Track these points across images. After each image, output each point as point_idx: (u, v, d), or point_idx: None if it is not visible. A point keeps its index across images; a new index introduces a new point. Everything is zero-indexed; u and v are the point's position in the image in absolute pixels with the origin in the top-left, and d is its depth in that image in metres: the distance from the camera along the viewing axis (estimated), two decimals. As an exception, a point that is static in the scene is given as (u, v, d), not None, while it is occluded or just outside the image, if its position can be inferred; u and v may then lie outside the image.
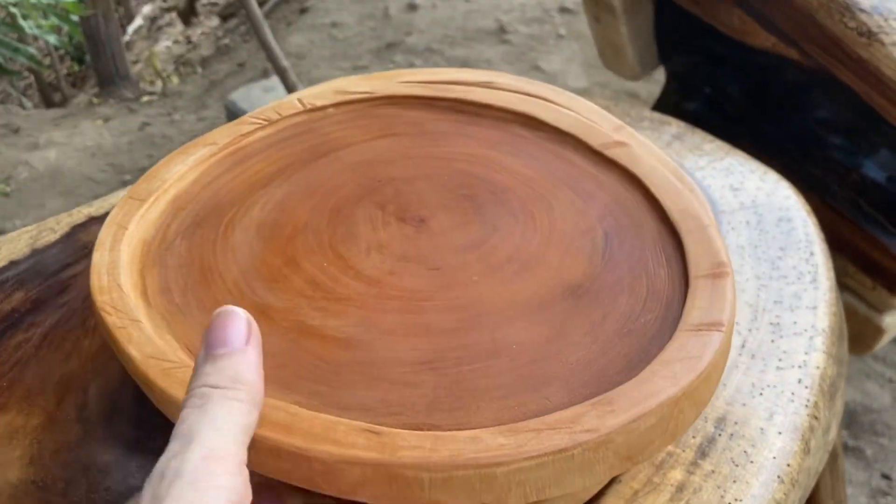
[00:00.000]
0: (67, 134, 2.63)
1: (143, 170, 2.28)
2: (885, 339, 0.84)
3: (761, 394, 0.46)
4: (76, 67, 6.55)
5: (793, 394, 0.46)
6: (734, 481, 0.41)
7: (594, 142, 0.50)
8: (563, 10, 2.54)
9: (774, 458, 0.43)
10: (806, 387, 0.47)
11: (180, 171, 0.50)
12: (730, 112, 0.90)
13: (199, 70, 3.18)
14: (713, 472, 0.42)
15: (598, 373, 0.35)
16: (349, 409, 0.34)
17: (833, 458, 0.71)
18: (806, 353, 0.49)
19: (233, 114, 2.02)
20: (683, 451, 0.43)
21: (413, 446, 0.32)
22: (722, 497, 0.40)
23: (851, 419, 1.32)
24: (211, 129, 1.78)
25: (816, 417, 0.46)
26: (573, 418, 0.32)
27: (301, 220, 0.46)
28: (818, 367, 0.48)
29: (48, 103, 5.85)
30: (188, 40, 5.17)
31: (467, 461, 0.31)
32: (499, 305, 0.39)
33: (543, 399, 0.34)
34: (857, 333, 0.83)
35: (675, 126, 0.72)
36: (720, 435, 0.44)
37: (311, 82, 2.34)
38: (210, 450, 0.29)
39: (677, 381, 0.34)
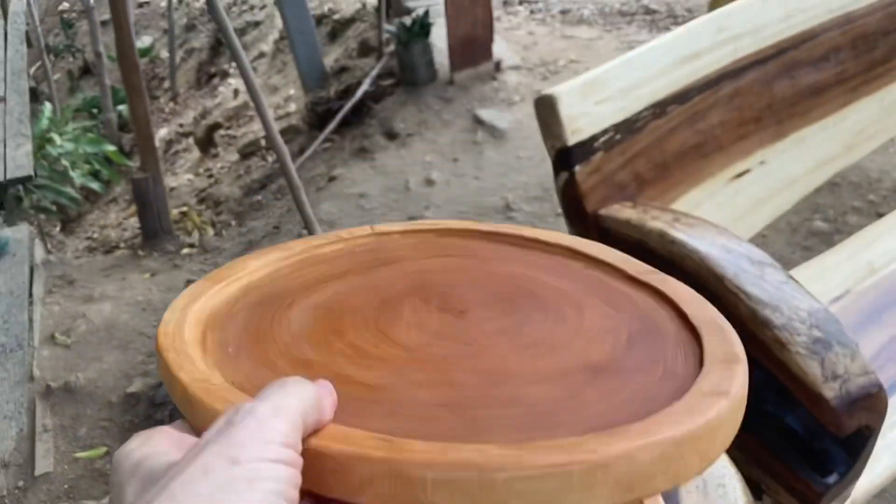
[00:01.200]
0: (118, 287, 2.94)
1: (191, 327, 2.59)
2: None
3: None
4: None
5: None
6: None
7: (631, 270, 0.56)
8: (561, 188, 2.92)
9: None
10: None
11: (254, 266, 0.56)
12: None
13: (233, 223, 3.53)
14: None
15: (606, 422, 0.38)
16: (366, 429, 0.37)
17: None
18: None
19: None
20: None
21: (420, 450, 0.34)
22: None
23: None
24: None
25: None
26: (576, 443, 0.35)
27: (353, 305, 0.51)
28: None
29: (62, 219, 6.14)
30: (209, 174, 5.56)
31: (469, 463, 0.33)
32: (521, 372, 0.43)
33: (551, 433, 0.37)
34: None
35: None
36: None
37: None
38: (279, 407, 0.34)
39: (681, 426, 0.37)
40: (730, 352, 0.45)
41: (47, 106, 3.97)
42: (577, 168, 1.21)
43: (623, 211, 1.19)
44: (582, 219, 1.23)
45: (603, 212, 1.21)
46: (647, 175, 1.28)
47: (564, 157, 1.21)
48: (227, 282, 0.54)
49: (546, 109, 1.19)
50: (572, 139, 1.20)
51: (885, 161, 2.88)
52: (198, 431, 0.39)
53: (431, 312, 0.51)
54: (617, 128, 1.24)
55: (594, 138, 1.22)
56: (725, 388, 0.41)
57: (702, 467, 0.38)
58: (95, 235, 5.63)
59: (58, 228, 6.16)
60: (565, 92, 1.19)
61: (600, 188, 1.23)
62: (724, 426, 0.40)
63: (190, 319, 0.48)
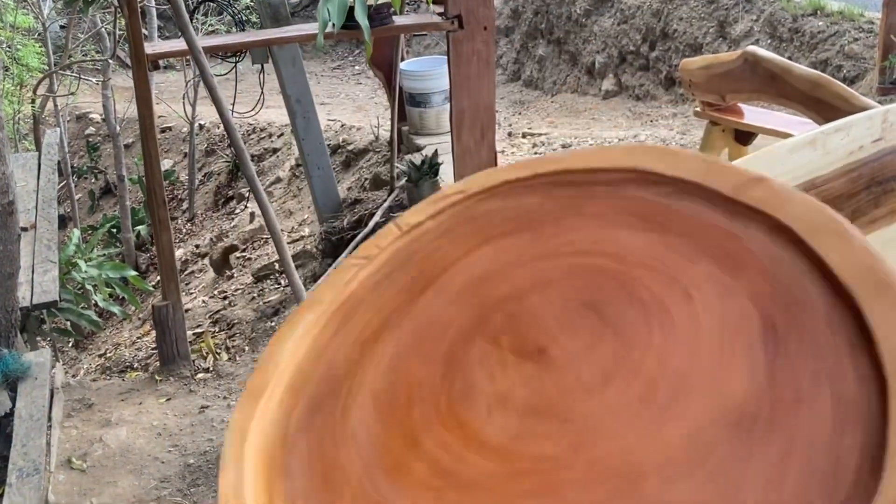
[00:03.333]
0: (135, 412, 3.04)
1: (205, 453, 2.67)
2: None
3: None
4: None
5: None
6: None
7: (725, 186, 0.41)
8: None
9: None
10: None
11: (291, 347, 0.49)
12: None
13: (246, 349, 3.66)
14: None
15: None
16: None
17: None
18: None
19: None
20: None
21: None
22: None
23: None
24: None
25: None
26: None
27: (415, 379, 0.44)
28: None
29: (78, 333, 6.22)
30: (224, 296, 5.71)
31: None
32: (653, 461, 0.33)
33: None
34: None
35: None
36: None
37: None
38: None
39: None
40: None
41: (75, 233, 4.18)
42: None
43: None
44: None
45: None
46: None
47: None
48: (271, 387, 0.47)
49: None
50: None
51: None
52: None
53: (507, 364, 0.42)
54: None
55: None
56: None
57: None
58: (109, 354, 5.74)
59: (70, 344, 6.28)
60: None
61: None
62: None
63: (248, 477, 0.42)
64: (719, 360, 0.35)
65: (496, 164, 3.71)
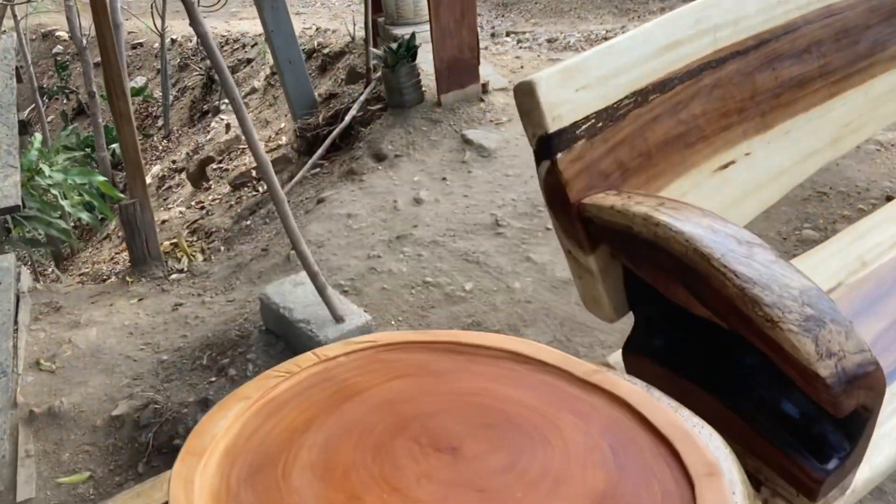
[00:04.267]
0: (105, 313, 2.90)
1: (178, 349, 2.55)
2: (812, 536, 1.09)
3: None
4: (82, 222, 6.93)
5: None
6: None
7: (577, 371, 0.63)
8: (551, 204, 2.90)
9: None
10: None
11: (224, 425, 0.58)
12: (683, 354, 1.19)
13: (222, 248, 3.50)
14: None
15: None
16: None
17: None
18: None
19: (267, 306, 2.30)
20: None
21: None
22: None
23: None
24: (241, 313, 2.15)
25: None
26: None
27: (348, 459, 0.53)
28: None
29: (56, 256, 6.13)
30: (201, 206, 5.55)
31: None
32: None
33: None
34: (789, 531, 1.08)
35: (639, 383, 0.99)
36: None
37: (330, 270, 2.65)
38: None
39: None
40: (707, 461, 0.53)
41: (37, 137, 3.97)
42: (559, 156, 1.19)
43: (607, 198, 1.17)
44: (565, 208, 1.20)
45: (587, 200, 1.19)
46: (630, 164, 1.26)
47: (546, 145, 1.19)
48: (209, 451, 0.54)
49: (526, 96, 1.17)
50: (553, 126, 1.18)
51: (872, 171, 2.87)
52: None
53: (429, 455, 0.52)
54: (598, 115, 1.22)
55: (575, 125, 1.20)
56: None
57: None
58: (87, 270, 5.60)
59: (52, 268, 6.13)
60: (544, 78, 1.17)
61: (583, 177, 1.21)
62: None
63: None
64: (584, 466, 0.50)
65: (478, 48, 3.50)
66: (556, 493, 0.50)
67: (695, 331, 1.18)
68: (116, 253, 5.66)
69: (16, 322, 2.87)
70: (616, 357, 1.29)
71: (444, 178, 3.15)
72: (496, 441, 0.55)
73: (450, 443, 0.54)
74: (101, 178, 3.94)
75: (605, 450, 0.54)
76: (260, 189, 4.64)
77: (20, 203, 3.61)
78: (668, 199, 1.16)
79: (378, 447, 0.55)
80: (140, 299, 3.01)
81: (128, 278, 3.22)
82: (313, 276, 2.07)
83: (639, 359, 1.23)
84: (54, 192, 3.79)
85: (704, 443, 0.55)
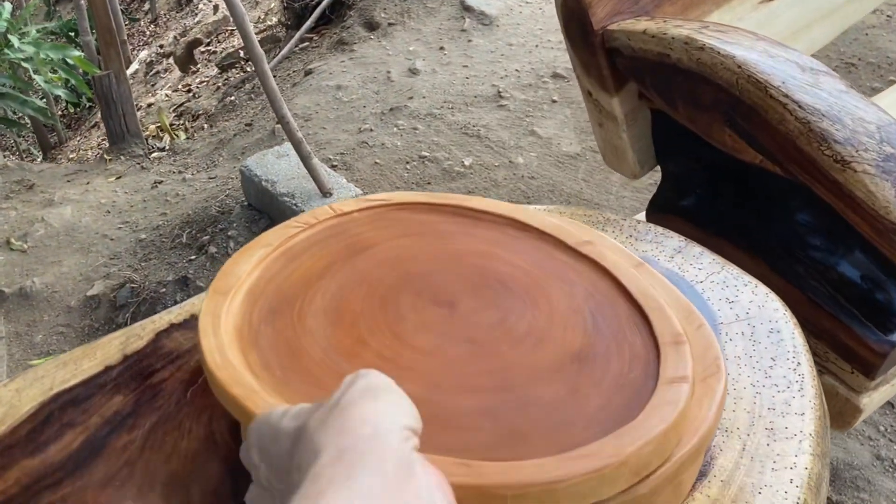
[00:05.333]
0: (81, 191, 2.72)
1: (157, 227, 2.38)
2: (864, 417, 0.94)
3: (760, 492, 0.56)
4: (71, 110, 6.66)
5: (786, 492, 0.56)
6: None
7: (570, 241, 0.65)
8: (556, 76, 2.67)
9: (771, 549, 0.52)
10: (797, 486, 0.57)
11: (247, 269, 0.61)
12: (720, 212, 1.01)
13: (206, 126, 3.29)
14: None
15: (607, 416, 0.49)
16: (439, 450, 0.45)
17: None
18: (796, 456, 0.59)
19: (248, 178, 2.12)
20: (697, 544, 0.53)
21: (496, 473, 0.44)
22: (729, 585, 0.50)
23: (834, 475, 1.42)
24: (223, 189, 1.94)
25: (804, 512, 0.56)
26: (600, 448, 0.46)
27: (357, 307, 0.58)
28: (807, 468, 0.58)
29: (43, 145, 5.93)
30: (188, 89, 5.29)
31: (536, 481, 0.44)
32: (526, 371, 0.52)
33: (574, 436, 0.47)
34: (838, 412, 0.94)
35: (676, 239, 0.82)
36: (726, 530, 0.54)
37: (318, 145, 2.45)
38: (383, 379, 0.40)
39: (665, 419, 0.48)
40: (674, 332, 0.55)
41: (6, 6, 3.67)
42: (582, -28, 0.98)
43: (638, 23, 0.97)
44: (586, 38, 1.00)
45: (613, 27, 0.98)
46: (665, -13, 1.05)
47: (565, -42, 0.98)
48: (234, 291, 0.58)
49: None
50: (575, -68, 0.97)
51: (908, 40, 2.64)
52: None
53: (427, 308, 0.58)
54: (630, -77, 1.01)
55: (602, -66, 0.99)
56: (683, 373, 0.52)
57: (678, 442, 0.49)
58: (74, 157, 5.40)
59: (40, 158, 5.92)
60: None
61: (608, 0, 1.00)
62: (689, 408, 0.50)
63: (225, 342, 0.53)
64: (566, 326, 0.56)
65: None
66: (537, 349, 0.54)
67: (736, 184, 1.00)
68: (103, 140, 5.43)
69: (-15, 200, 2.70)
70: (641, 219, 1.12)
71: (441, 48, 2.90)
72: (489, 300, 0.59)
73: (447, 298, 0.59)
74: (76, 53, 3.67)
75: (585, 314, 0.58)
76: (248, 69, 4.38)
77: (-12, 76, 3.37)
78: (713, 22, 0.96)
79: (384, 298, 0.59)
80: (118, 177, 2.82)
81: (106, 156, 3.02)
82: (297, 144, 1.88)
83: (667, 219, 1.06)
84: (26, 66, 3.53)
85: (673, 315, 0.57)
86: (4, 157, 3.27)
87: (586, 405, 0.50)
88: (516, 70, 2.72)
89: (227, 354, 0.52)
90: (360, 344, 0.55)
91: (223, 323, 0.55)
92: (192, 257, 2.14)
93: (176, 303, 2.14)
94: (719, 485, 0.57)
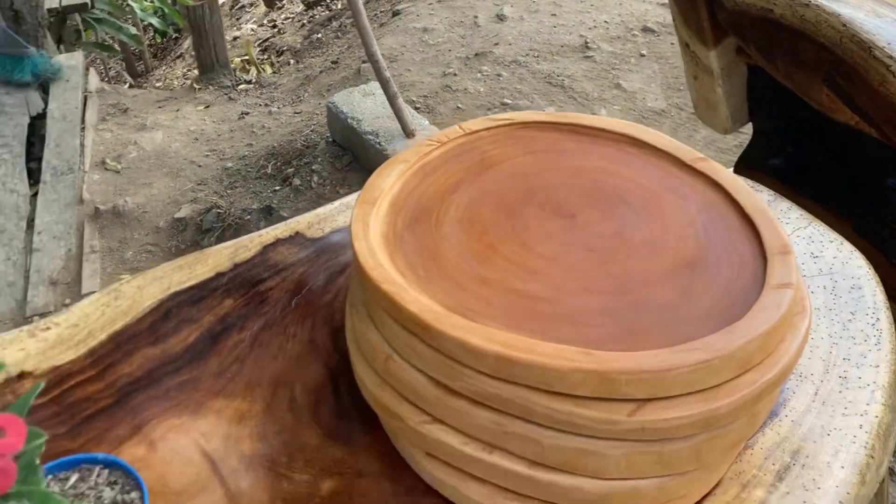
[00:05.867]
0: (172, 117, 2.82)
1: (243, 157, 2.46)
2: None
3: (829, 434, 0.59)
4: (158, 40, 6.82)
5: (854, 437, 0.59)
6: (804, 502, 0.54)
7: (685, 158, 0.68)
8: (646, 30, 2.63)
9: (837, 487, 0.55)
10: (866, 432, 0.59)
11: (389, 182, 0.66)
12: (808, 171, 1.01)
13: (292, 62, 3.35)
14: (788, 493, 0.54)
15: (717, 317, 0.52)
16: (563, 341, 0.49)
17: (881, 485, 0.82)
18: (867, 404, 0.61)
19: (334, 115, 2.17)
20: (765, 474, 0.56)
21: (614, 360, 0.47)
22: (794, 513, 0.53)
23: None
24: (307, 124, 2.01)
25: (872, 457, 0.58)
26: (709, 342, 0.49)
27: (487, 217, 0.63)
28: (877, 416, 0.60)
29: (131, 73, 6.10)
30: (273, 24, 5.36)
31: (650, 368, 0.47)
32: (642, 276, 0.56)
33: (686, 333, 0.51)
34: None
35: (765, 193, 0.83)
36: (794, 465, 0.56)
37: (402, 86, 2.48)
38: None
39: (770, 319, 0.51)
40: (783, 244, 0.58)
41: (105, -66, 3.77)
42: (690, -78, 0.98)
43: (743, -23, 0.96)
44: (690, -11, 1.00)
45: (717, -21, 0.98)
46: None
47: None
48: (379, 202, 0.64)
49: None
50: None
51: None
52: (433, 350, 0.52)
53: (550, 219, 0.62)
54: None
55: None
56: (788, 280, 0.54)
57: (778, 343, 0.52)
58: (160, 86, 5.55)
59: (127, 85, 6.09)
60: None
61: (715, -49, 1.00)
62: (791, 313, 0.53)
63: (374, 246, 0.59)
64: (679, 236, 0.60)
65: None
66: (652, 257, 0.58)
67: (827, 144, 1.00)
68: (188, 70, 5.55)
69: (83, 121, 2.82)
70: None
71: (530, -5, 2.88)
72: (607, 212, 0.62)
73: (569, 210, 0.63)
74: (171, -18, 3.76)
75: (697, 225, 0.61)
76: (333, 7, 4.41)
77: (88, 1, 3.48)
78: (821, -21, 0.95)
79: (510, 210, 0.63)
80: (207, 107, 2.91)
81: (195, 85, 3.11)
82: (384, 84, 1.91)
83: (755, 175, 1.06)
84: (123, -6, 3.64)
85: (784, 228, 0.60)
86: (102, 81, 3.40)
87: (697, 307, 0.52)
88: (605, 21, 2.69)
89: (377, 256, 0.57)
90: (491, 249, 0.59)
91: (371, 229, 0.60)
92: (277, 188, 2.22)
93: (258, 229, 2.23)
94: (790, 424, 0.60)
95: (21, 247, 2.26)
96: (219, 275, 0.77)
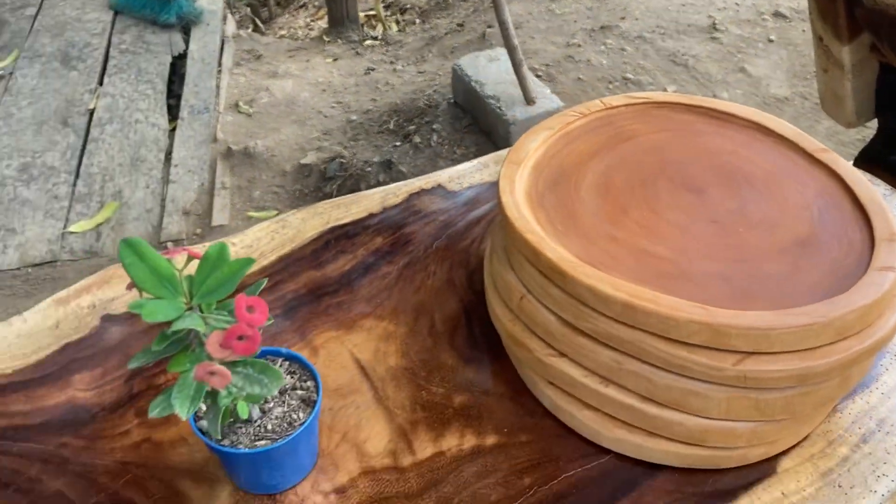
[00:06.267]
0: (301, 67, 2.97)
1: (367, 112, 2.58)
2: None
3: (914, 409, 0.65)
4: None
5: (938, 414, 0.64)
6: (884, 463, 0.60)
7: (808, 148, 0.73)
8: (777, 15, 2.59)
9: (916, 454, 0.61)
10: (950, 412, 0.65)
11: (534, 146, 0.73)
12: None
13: (417, 21, 3.44)
14: (870, 454, 0.61)
15: (821, 290, 0.58)
16: (683, 297, 0.57)
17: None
18: (955, 388, 0.66)
19: (459, 77, 2.25)
20: (850, 436, 0.62)
21: (726, 316, 0.54)
22: (873, 471, 0.60)
23: None
24: (430, 84, 2.12)
25: (953, 435, 0.64)
26: (812, 309, 0.55)
27: (621, 184, 0.69)
28: (963, 400, 0.66)
29: (257, 19, 6.30)
30: (398, -18, 5.45)
31: (756, 325, 0.54)
32: (757, 249, 0.62)
33: (792, 301, 0.57)
34: None
35: (882, 187, 0.88)
36: (879, 431, 0.63)
37: (526, 54, 2.54)
38: None
39: (870, 296, 0.56)
40: (892, 232, 0.62)
41: None
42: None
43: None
44: (829, -17, 1.03)
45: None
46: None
47: None
48: (523, 163, 0.71)
49: None
50: None
51: None
52: (565, 294, 0.61)
53: (679, 192, 0.68)
54: None
55: None
56: (892, 264, 0.59)
57: (877, 318, 0.58)
58: (284, 34, 5.74)
59: (251, 28, 6.31)
60: None
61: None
62: (891, 295, 0.58)
63: (520, 202, 0.67)
64: (795, 217, 0.66)
65: None
66: (769, 233, 0.64)
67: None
68: (311, 20, 5.72)
69: (220, 64, 3.00)
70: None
71: (661, -29, 2.88)
72: (732, 190, 0.69)
73: (697, 186, 0.69)
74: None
75: (813, 209, 0.66)
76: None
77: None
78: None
79: (643, 180, 0.70)
80: (335, 59, 3.04)
81: (324, 37, 3.25)
82: (511, 50, 1.98)
83: (874, 170, 1.09)
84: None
85: (894, 219, 0.64)
86: (238, 27, 3.59)
87: (804, 280, 0.58)
88: (736, 3, 2.67)
89: (521, 210, 0.65)
90: (622, 213, 0.66)
91: (516, 187, 0.68)
92: (397, 143, 2.33)
93: (379, 183, 2.35)
94: (879, 396, 0.66)
95: (159, 177, 2.45)
96: (371, 215, 0.87)
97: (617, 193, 0.68)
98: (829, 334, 0.55)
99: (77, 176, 2.44)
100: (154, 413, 0.47)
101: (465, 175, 0.92)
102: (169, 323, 0.45)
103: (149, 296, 0.45)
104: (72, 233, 2.23)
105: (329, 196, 2.32)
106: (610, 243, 0.63)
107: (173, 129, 2.68)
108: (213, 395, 0.51)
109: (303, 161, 2.44)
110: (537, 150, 0.73)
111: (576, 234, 0.64)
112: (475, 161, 0.94)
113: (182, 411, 0.45)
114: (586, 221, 0.65)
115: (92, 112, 2.73)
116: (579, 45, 2.55)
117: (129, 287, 0.47)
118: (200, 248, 0.57)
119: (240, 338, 0.45)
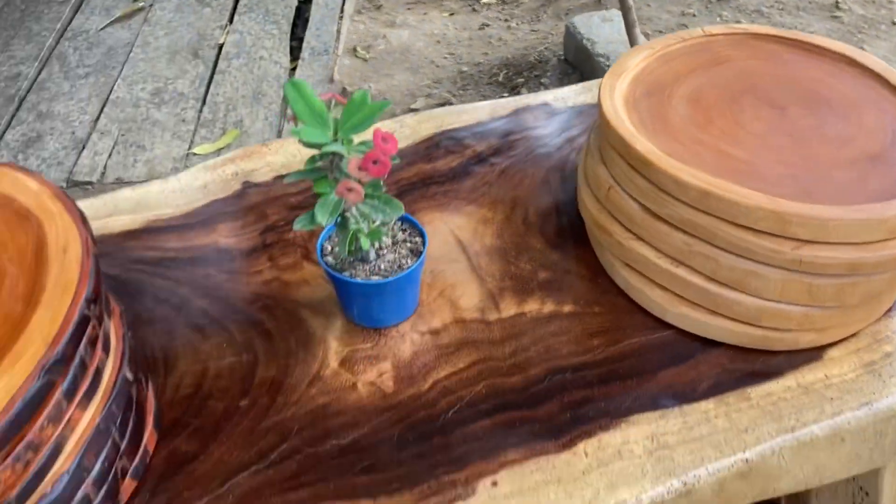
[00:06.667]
0: (418, 19, 3.08)
1: (478, 64, 2.67)
2: None
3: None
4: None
5: None
6: (925, 361, 0.66)
7: (893, 80, 0.78)
8: (906, -3, 2.53)
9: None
10: None
11: (635, 62, 0.81)
12: None
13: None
14: (913, 353, 0.67)
15: (883, 196, 0.64)
16: (752, 188, 0.64)
17: None
18: None
19: (571, 34, 2.31)
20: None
21: (789, 205, 0.61)
22: (913, 366, 0.66)
23: None
24: (542, 42, 2.19)
25: None
26: (869, 208, 0.62)
27: (710, 98, 0.77)
28: None
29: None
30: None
31: (816, 215, 0.61)
32: (828, 160, 0.68)
33: (852, 202, 0.63)
34: None
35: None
36: (925, 338, 0.69)
37: (639, 19, 2.57)
38: None
39: None
40: None
41: None
42: None
43: None
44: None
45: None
46: None
47: None
48: (624, 75, 0.79)
49: None
50: None
51: None
52: (649, 183, 0.69)
53: (763, 108, 0.75)
54: None
55: None
56: None
57: None
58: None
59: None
60: None
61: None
62: None
63: (618, 105, 0.75)
64: (869, 137, 0.71)
65: None
66: (842, 148, 0.70)
67: None
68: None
69: (342, 11, 3.14)
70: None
71: (787, -53, 2.83)
72: (812, 111, 0.75)
73: (780, 104, 0.76)
74: None
75: (888, 133, 0.71)
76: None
77: None
78: None
79: (731, 96, 0.77)
80: (451, 14, 3.14)
81: (443, -7, 3.34)
82: (626, 11, 2.03)
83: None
84: None
85: None
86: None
87: (867, 188, 0.65)
88: (861, -17, 2.61)
89: (618, 112, 0.73)
90: (709, 121, 0.73)
91: (615, 94, 0.76)
92: (505, 94, 2.41)
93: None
94: (931, 310, 0.72)
95: (277, 111, 2.61)
96: (479, 123, 0.96)
97: (706, 105, 0.75)
98: (882, 231, 0.61)
99: (203, 103, 2.63)
100: (298, 227, 0.59)
101: (570, 96, 1.00)
102: (318, 148, 0.56)
103: (304, 126, 0.56)
104: (195, 154, 2.42)
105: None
106: (694, 144, 0.70)
107: (293, 69, 2.83)
108: (343, 224, 0.62)
109: (412, 106, 2.55)
110: (637, 66, 0.81)
111: (664, 134, 0.72)
112: (580, 84, 1.02)
113: (322, 220, 0.56)
114: (675, 125, 0.73)
115: (221, 46, 2.91)
116: (694, 15, 2.56)
117: (290, 119, 0.58)
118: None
119: (374, 162, 0.56)
